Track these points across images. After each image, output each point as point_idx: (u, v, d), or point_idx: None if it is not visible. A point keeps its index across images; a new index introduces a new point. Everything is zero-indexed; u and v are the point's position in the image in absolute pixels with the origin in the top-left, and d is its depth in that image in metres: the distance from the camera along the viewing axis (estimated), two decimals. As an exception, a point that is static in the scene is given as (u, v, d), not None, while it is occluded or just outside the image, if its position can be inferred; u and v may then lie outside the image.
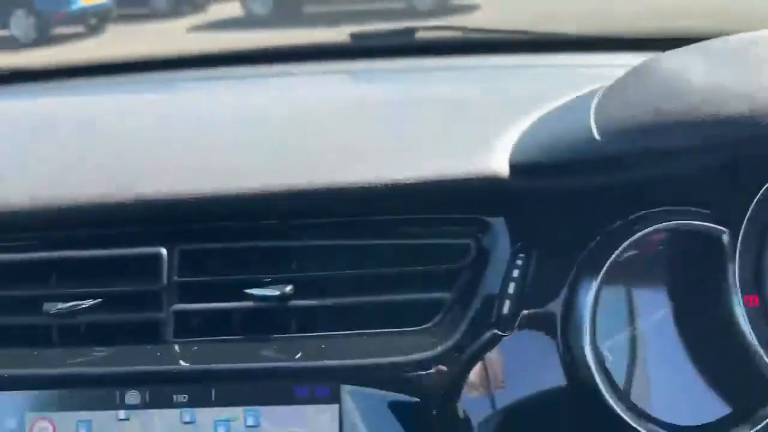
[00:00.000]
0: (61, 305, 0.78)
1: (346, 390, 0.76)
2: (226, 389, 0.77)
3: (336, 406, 0.77)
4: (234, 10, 5.15)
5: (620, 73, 0.88)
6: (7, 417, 0.77)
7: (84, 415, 0.78)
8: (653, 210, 0.75)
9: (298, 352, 0.76)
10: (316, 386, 0.77)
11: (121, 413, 0.78)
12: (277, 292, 0.77)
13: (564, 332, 0.76)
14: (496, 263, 0.80)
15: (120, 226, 0.80)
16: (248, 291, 0.78)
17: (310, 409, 0.77)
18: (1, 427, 0.76)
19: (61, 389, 0.76)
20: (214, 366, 0.76)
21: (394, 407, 0.75)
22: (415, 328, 0.78)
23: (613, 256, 0.74)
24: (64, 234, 0.80)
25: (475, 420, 0.76)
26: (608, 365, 0.73)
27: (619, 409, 0.71)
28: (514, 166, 0.82)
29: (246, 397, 0.78)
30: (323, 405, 0.77)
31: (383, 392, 0.75)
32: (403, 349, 0.75)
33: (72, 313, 0.78)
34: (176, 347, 0.78)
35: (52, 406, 0.78)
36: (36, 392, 0.77)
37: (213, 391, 0.78)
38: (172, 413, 0.78)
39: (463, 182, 0.80)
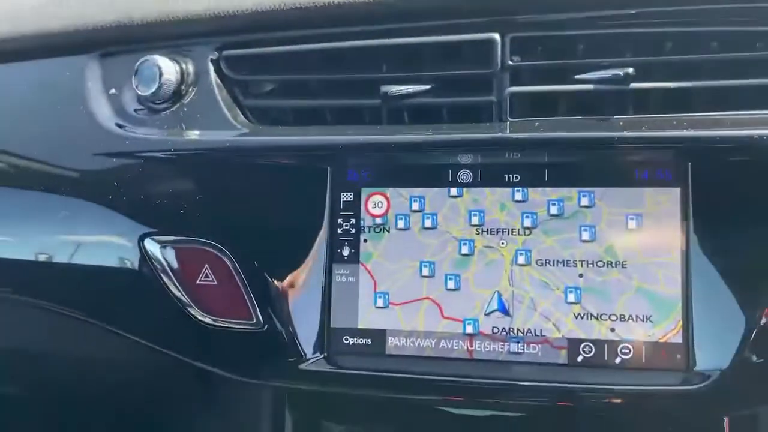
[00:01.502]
0: (398, 87, 0.81)
1: (693, 171, 0.73)
2: (560, 169, 0.77)
3: (678, 190, 0.74)
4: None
5: None
6: (343, 191, 0.83)
7: (417, 191, 0.81)
8: None
9: (642, 128, 0.73)
10: (658, 168, 0.75)
11: (453, 190, 0.81)
12: (620, 73, 0.75)
13: None
14: None
15: (454, 16, 0.81)
16: (583, 76, 0.77)
17: (649, 192, 0.75)
18: (338, 199, 0.82)
19: (398, 158, 0.80)
20: (553, 135, 0.74)
21: (751, 188, 0.71)
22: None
23: None
24: (402, 24, 0.83)
25: None
26: None
27: None
28: None
29: (581, 178, 0.77)
30: (664, 188, 0.75)
31: (737, 170, 0.71)
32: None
33: (408, 95, 0.81)
34: (510, 124, 0.79)
35: (386, 182, 0.83)
36: (371, 169, 0.82)
37: (546, 171, 0.78)
38: (504, 191, 0.79)
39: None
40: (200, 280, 0.81)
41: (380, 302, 0.81)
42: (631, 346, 0.75)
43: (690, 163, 0.73)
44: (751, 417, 0.74)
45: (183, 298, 0.81)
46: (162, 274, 0.82)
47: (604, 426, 0.76)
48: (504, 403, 0.76)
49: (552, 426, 0.77)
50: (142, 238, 0.82)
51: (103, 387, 0.92)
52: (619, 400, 0.72)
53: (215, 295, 0.80)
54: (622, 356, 0.75)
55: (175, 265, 0.82)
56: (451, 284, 0.80)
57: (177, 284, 0.81)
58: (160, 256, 0.82)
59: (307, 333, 0.81)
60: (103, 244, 0.84)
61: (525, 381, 0.75)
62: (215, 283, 0.81)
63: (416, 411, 0.81)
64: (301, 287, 0.81)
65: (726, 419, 0.74)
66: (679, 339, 0.73)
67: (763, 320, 0.70)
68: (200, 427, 0.91)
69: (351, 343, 0.82)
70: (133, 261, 0.83)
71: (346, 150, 0.80)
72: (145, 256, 0.82)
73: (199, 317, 0.81)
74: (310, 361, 0.79)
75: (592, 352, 0.76)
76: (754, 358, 0.70)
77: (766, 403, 0.71)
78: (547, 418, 0.78)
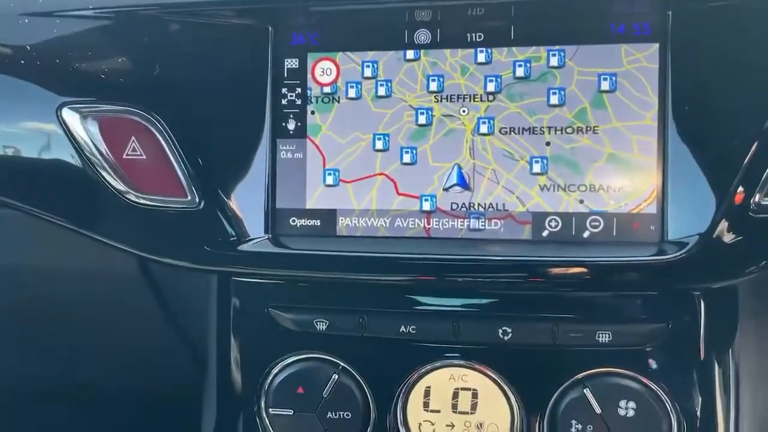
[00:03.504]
0: None
1: (674, 22, 0.66)
2: (528, 26, 0.69)
3: (656, 45, 0.67)
4: None
5: None
6: (288, 57, 0.74)
7: (370, 55, 0.73)
8: None
9: None
10: (635, 20, 0.67)
11: (410, 53, 0.72)
12: None
13: None
14: None
15: None
16: None
17: (625, 48, 0.68)
18: (281, 66, 0.74)
19: (347, 16, 0.72)
20: None
21: (736, 43, 0.64)
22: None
23: None
24: None
25: None
26: None
27: None
28: None
29: (550, 35, 0.69)
30: (642, 43, 0.67)
31: (721, 21, 0.64)
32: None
33: None
34: None
35: (335, 46, 0.74)
36: (318, 30, 0.73)
37: (512, 29, 0.70)
38: (466, 53, 0.71)
39: None
40: (127, 154, 0.73)
41: (330, 180, 0.74)
42: (600, 219, 0.69)
43: (671, 13, 0.66)
44: (726, 289, 0.70)
45: (108, 175, 0.73)
46: (83, 148, 0.73)
47: (570, 303, 0.71)
48: (463, 281, 0.70)
49: (514, 304, 0.72)
50: (59, 108, 0.74)
51: (32, 279, 0.85)
52: (587, 275, 0.66)
53: (144, 170, 0.72)
54: (591, 229, 0.69)
55: (97, 137, 0.72)
56: (406, 158, 0.72)
57: (100, 159, 0.73)
58: (80, 127, 0.73)
59: (249, 214, 0.73)
60: (16, 116, 0.75)
61: (486, 257, 0.69)
62: (144, 157, 0.72)
63: (370, 293, 0.75)
64: (242, 164, 0.74)
65: (700, 291, 0.69)
66: (653, 209, 0.68)
67: (741, 188, 0.64)
68: (138, 317, 0.84)
69: (299, 224, 0.75)
70: (51, 134, 0.74)
71: (287, 3, 0.71)
72: (64, 128, 0.73)
73: (126, 195, 0.72)
74: (254, 242, 0.72)
75: (559, 227, 0.70)
76: (731, 228, 0.64)
77: (741, 274, 0.66)
78: (510, 296, 0.72)
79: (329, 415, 0.76)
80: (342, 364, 0.76)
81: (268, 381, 0.78)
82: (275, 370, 0.78)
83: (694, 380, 0.71)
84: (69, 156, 0.74)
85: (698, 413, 0.70)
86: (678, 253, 0.64)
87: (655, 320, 0.70)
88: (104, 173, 0.73)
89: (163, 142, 0.72)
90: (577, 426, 0.71)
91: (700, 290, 0.69)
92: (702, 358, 0.70)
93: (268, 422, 0.78)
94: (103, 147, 0.73)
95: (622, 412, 0.70)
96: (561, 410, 0.72)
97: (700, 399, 0.70)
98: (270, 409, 0.78)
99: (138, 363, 0.88)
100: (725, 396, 0.71)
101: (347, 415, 0.76)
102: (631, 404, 0.70)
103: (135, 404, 0.89)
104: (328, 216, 0.74)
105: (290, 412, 0.77)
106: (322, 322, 0.76)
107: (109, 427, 0.91)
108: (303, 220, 0.75)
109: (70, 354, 0.90)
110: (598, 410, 0.70)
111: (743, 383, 0.72)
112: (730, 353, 0.71)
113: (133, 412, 0.89)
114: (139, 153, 0.72)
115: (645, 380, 0.70)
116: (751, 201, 0.63)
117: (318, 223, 0.74)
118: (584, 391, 0.71)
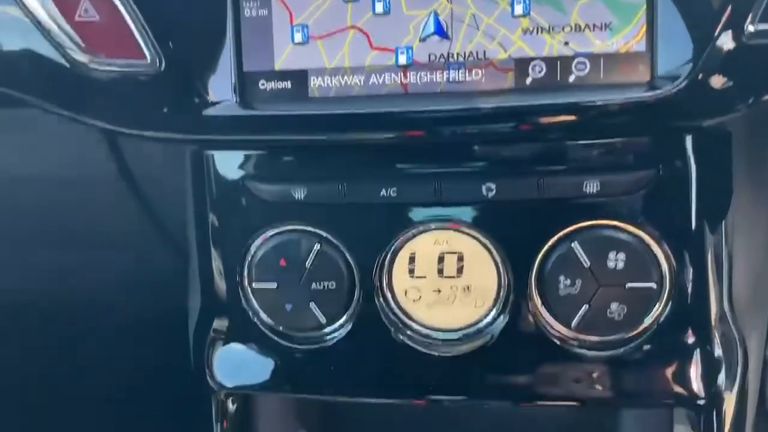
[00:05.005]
0: None
1: None
2: None
3: None
4: None
5: None
6: None
7: None
8: None
9: None
10: None
11: None
12: None
13: None
14: None
15: None
16: None
17: None
18: None
19: None
20: None
21: None
22: None
23: None
24: None
25: None
26: None
27: None
28: None
29: None
30: None
31: None
32: None
33: None
34: None
35: None
36: None
37: None
38: None
39: None
40: (80, 16, 0.68)
41: (298, 37, 0.69)
42: (587, 61, 0.64)
43: None
44: (718, 128, 0.66)
45: (60, 39, 0.68)
46: (33, 11, 0.68)
47: (556, 153, 0.68)
48: (444, 135, 0.67)
49: (497, 158, 0.69)
50: None
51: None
52: (573, 119, 0.63)
53: (98, 32, 0.67)
54: (577, 72, 0.65)
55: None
56: (379, 7, 0.67)
57: (50, 22, 0.67)
58: None
59: (214, 78, 0.68)
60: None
61: (467, 108, 0.65)
62: (97, 18, 0.68)
63: (348, 157, 0.72)
64: (202, 23, 0.68)
65: (692, 131, 0.66)
66: (642, 47, 0.63)
67: (734, 15, 0.59)
68: (114, 199, 0.82)
69: (268, 88, 0.70)
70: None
71: None
72: None
73: (82, 60, 0.68)
74: (220, 106, 0.68)
75: (543, 72, 0.65)
76: (725, 58, 0.60)
77: (737, 107, 0.63)
78: (493, 150, 0.69)
79: (314, 285, 0.75)
80: (323, 233, 0.74)
81: (250, 255, 0.76)
82: (256, 244, 0.76)
83: (685, 227, 0.69)
84: (18, 21, 0.69)
85: (689, 261, 0.69)
86: (669, 89, 0.60)
87: (645, 166, 0.67)
88: (55, 37, 0.68)
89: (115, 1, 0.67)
90: (565, 282, 0.70)
91: (692, 130, 0.66)
92: (693, 204, 0.68)
93: (252, 296, 0.77)
94: (52, 9, 0.68)
95: (611, 264, 0.69)
96: (549, 267, 0.70)
97: (691, 246, 0.69)
98: (253, 284, 0.76)
99: (116, 247, 0.86)
100: (717, 243, 0.69)
101: (332, 285, 0.75)
102: (621, 255, 0.68)
103: (116, 289, 0.88)
104: (299, 77, 0.70)
105: (274, 285, 0.76)
106: (300, 190, 0.73)
107: (92, 310, 0.91)
108: (272, 83, 0.70)
109: (42, 245, 0.88)
110: (586, 264, 0.69)
111: (736, 229, 0.70)
112: (723, 198, 0.69)
113: (116, 297, 0.88)
114: (92, 14, 0.67)
115: (634, 230, 0.68)
116: (745, 27, 0.59)
117: (288, 85, 0.70)
118: (572, 245, 0.69)
